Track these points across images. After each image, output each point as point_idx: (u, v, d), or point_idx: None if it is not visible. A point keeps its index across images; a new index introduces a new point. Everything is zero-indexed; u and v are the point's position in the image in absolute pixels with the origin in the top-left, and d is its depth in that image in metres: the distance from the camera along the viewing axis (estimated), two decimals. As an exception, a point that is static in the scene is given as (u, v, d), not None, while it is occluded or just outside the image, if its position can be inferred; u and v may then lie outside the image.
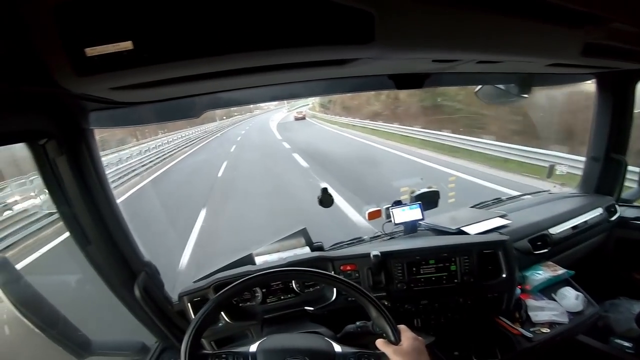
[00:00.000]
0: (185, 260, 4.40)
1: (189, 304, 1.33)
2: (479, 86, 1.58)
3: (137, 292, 1.15)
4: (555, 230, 1.72)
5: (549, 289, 1.57)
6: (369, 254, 1.39)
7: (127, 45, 0.52)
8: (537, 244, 1.64)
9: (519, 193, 2.20)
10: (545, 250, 1.65)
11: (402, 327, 0.95)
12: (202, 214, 6.20)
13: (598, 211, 1.87)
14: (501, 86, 1.52)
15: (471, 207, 1.94)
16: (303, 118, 30.68)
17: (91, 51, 0.52)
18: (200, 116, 1.12)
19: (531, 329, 1.41)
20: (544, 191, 2.21)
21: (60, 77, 0.58)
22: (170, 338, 1.32)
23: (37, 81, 0.59)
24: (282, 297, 1.40)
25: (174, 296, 1.36)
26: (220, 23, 0.54)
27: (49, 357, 1.03)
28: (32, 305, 0.91)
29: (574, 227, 1.77)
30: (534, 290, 1.56)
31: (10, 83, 0.58)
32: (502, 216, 1.73)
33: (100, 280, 1.16)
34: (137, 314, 1.24)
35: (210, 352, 0.94)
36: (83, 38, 0.52)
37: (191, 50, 0.56)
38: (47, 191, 0.96)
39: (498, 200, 2.05)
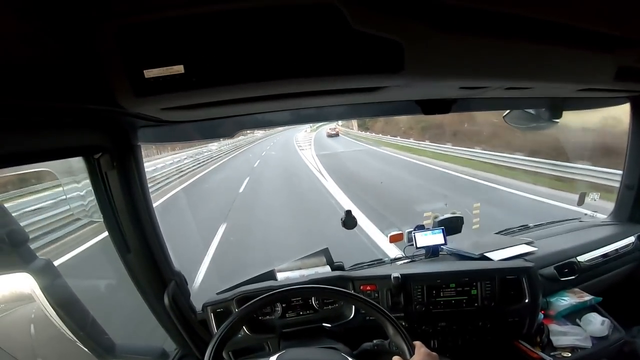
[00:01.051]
0: (201, 274, 4.43)
1: (211, 314, 1.38)
2: (507, 111, 1.58)
3: (166, 301, 1.21)
4: (584, 257, 1.68)
5: (573, 315, 1.54)
6: (389, 276, 1.41)
7: (179, 69, 0.59)
8: (564, 271, 1.62)
9: (548, 220, 2.15)
10: (573, 277, 1.63)
11: (417, 343, 0.97)
12: (222, 229, 6.22)
13: (630, 240, 1.82)
14: (531, 111, 1.52)
15: (496, 233, 1.92)
16: (336, 135, 28.70)
17: (148, 73, 0.59)
18: (234, 136, 1.18)
19: (552, 353, 1.39)
20: (574, 219, 2.15)
21: (120, 96, 0.65)
22: (190, 346, 1.37)
23: (99, 100, 0.66)
24: (301, 313, 1.44)
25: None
26: (263, 52, 0.60)
27: (72, 358, 1.07)
28: (66, 306, 0.95)
29: (603, 255, 1.73)
30: (557, 315, 1.53)
31: (75, 101, 0.65)
32: (528, 243, 1.71)
33: (124, 284, 1.23)
34: (163, 321, 1.29)
35: None
36: (141, 61, 0.58)
37: (235, 76, 0.62)
38: (97, 202, 1.04)
39: (525, 227, 2.03)
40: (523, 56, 0.79)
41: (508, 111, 1.59)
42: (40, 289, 0.87)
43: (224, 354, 0.97)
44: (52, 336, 0.96)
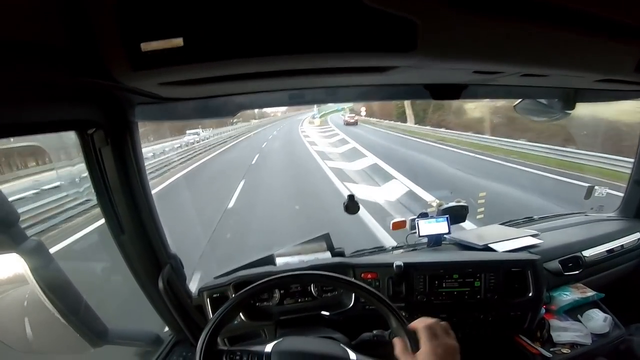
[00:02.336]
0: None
1: (207, 300, 1.38)
2: (519, 100, 1.53)
3: (160, 284, 1.20)
4: (589, 252, 1.69)
5: (575, 311, 1.55)
6: (391, 264, 1.40)
7: (178, 42, 0.55)
8: (568, 265, 1.62)
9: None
10: (577, 272, 1.63)
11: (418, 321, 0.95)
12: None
13: (636, 236, 1.82)
14: (543, 101, 1.48)
15: (501, 224, 1.91)
16: (355, 124, 25.53)
17: (146, 46, 0.55)
18: (235, 115, 1.15)
19: (551, 349, 1.40)
20: (580, 213, 2.14)
21: (115, 70, 0.62)
22: (184, 331, 1.36)
23: (94, 73, 0.63)
24: (299, 300, 1.43)
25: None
26: (266, 25, 0.56)
27: (64, 343, 1.04)
28: (59, 290, 0.93)
29: (609, 251, 1.73)
30: (559, 310, 1.55)
31: (69, 74, 0.62)
32: (533, 235, 1.71)
33: (121, 269, 1.21)
34: (157, 306, 1.29)
35: (226, 349, 0.96)
36: (139, 33, 0.55)
37: (237, 50, 0.58)
38: (90, 179, 1.01)
39: (530, 219, 2.03)
40: (542, 42, 0.75)
41: (519, 100, 1.54)
42: (31, 270, 0.84)
43: (219, 340, 0.96)
44: (44, 320, 0.94)
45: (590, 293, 1.58)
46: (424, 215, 1.75)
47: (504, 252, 1.57)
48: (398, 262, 1.39)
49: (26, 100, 0.65)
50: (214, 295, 1.38)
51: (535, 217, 2.04)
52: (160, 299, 1.23)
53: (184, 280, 1.35)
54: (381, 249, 1.78)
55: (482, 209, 2.10)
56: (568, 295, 1.57)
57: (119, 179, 1.02)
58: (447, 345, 0.87)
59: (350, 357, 0.97)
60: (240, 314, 1.34)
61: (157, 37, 0.55)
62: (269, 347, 0.97)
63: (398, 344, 0.90)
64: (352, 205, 1.65)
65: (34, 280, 0.85)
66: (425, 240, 1.77)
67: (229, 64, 0.62)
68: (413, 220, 1.75)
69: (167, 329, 1.43)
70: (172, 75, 0.66)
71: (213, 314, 1.31)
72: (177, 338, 1.42)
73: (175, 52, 0.55)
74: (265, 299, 1.42)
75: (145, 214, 1.12)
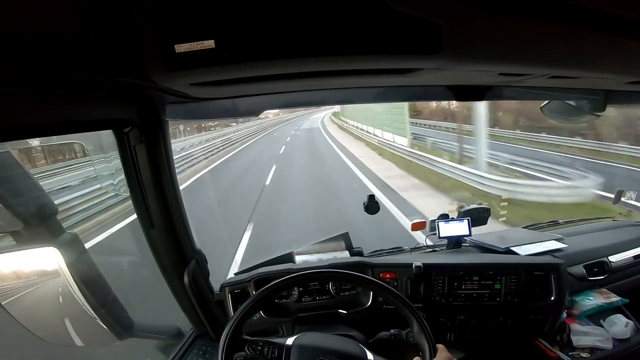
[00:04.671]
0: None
1: (229, 295, 1.43)
2: (546, 101, 1.51)
3: (186, 279, 1.25)
4: (615, 258, 1.68)
5: (597, 315, 1.55)
6: (410, 264, 1.43)
7: (209, 44, 0.59)
8: (593, 270, 1.62)
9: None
10: (601, 277, 1.63)
11: (440, 346, 0.98)
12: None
13: None
14: (571, 102, 1.45)
15: (524, 227, 1.90)
16: None
17: (179, 48, 0.59)
18: (259, 115, 1.19)
19: (570, 353, 1.41)
20: (607, 218, 2.10)
21: (151, 71, 0.67)
22: (205, 326, 1.41)
23: (131, 74, 0.68)
24: (317, 298, 1.47)
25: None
26: (294, 28, 0.60)
27: (91, 335, 1.08)
28: (90, 282, 0.96)
29: (636, 257, 1.72)
30: (581, 315, 1.55)
31: (110, 74, 0.67)
32: (558, 239, 1.71)
33: (148, 265, 1.26)
34: (181, 300, 1.34)
35: (249, 338, 1.01)
36: (173, 35, 0.59)
37: (265, 52, 0.62)
38: (125, 176, 1.07)
39: (555, 223, 2.01)
40: (571, 43, 0.75)
41: (546, 102, 1.52)
42: (66, 263, 0.88)
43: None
44: (74, 313, 0.98)
45: (614, 298, 1.57)
46: (444, 217, 1.77)
47: (526, 255, 1.57)
48: (417, 263, 1.42)
49: (70, 100, 0.71)
50: (235, 291, 1.43)
51: (560, 221, 2.02)
52: (185, 293, 1.29)
53: (208, 275, 1.41)
54: (400, 250, 1.80)
55: (505, 212, 2.08)
56: (591, 300, 1.57)
57: (151, 176, 1.08)
58: None
59: (368, 357, 1.00)
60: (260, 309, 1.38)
61: (190, 39, 0.59)
62: (289, 340, 1.02)
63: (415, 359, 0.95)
64: (372, 205, 1.67)
65: (68, 273, 0.90)
66: (445, 241, 1.78)
67: (257, 66, 0.66)
68: (433, 221, 1.77)
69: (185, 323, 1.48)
70: (203, 76, 0.70)
71: (234, 310, 1.36)
72: (197, 332, 1.47)
73: (206, 53, 0.59)
74: (284, 296, 1.46)
75: (174, 210, 1.17)
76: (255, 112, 1.19)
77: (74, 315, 0.99)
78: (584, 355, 1.39)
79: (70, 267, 0.90)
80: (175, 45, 0.59)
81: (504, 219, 2.05)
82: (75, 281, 0.92)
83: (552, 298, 1.41)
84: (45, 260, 0.89)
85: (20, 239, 0.89)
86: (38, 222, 0.89)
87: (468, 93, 1.21)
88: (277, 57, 0.63)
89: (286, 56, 0.63)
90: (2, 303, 0.92)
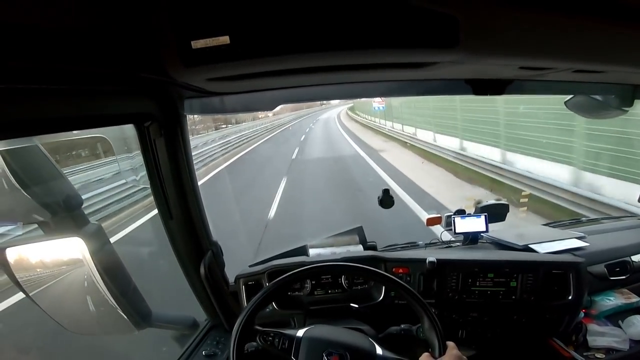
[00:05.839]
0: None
1: (243, 287, 1.47)
2: (570, 96, 1.47)
3: (202, 270, 1.31)
4: (638, 257, 1.64)
5: (616, 316, 1.53)
6: (424, 260, 1.43)
7: (225, 39, 0.62)
8: (615, 270, 1.59)
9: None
10: (623, 277, 1.59)
11: (450, 344, 0.99)
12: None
13: None
14: (597, 97, 1.41)
15: (545, 224, 1.87)
16: None
17: (195, 44, 0.62)
18: (274, 109, 1.23)
19: (585, 354, 1.40)
20: (632, 216, 2.04)
21: (169, 66, 0.70)
22: (220, 317, 1.47)
23: (151, 69, 0.72)
24: (330, 291, 1.50)
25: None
26: (309, 23, 0.62)
27: (111, 325, 1.13)
28: (112, 271, 1.00)
29: None
30: (600, 315, 1.53)
31: (130, 70, 0.71)
32: (579, 238, 1.68)
33: (166, 257, 1.30)
34: (197, 291, 1.40)
35: (260, 329, 1.04)
36: (190, 32, 0.62)
37: (280, 47, 0.64)
38: (145, 168, 1.12)
39: (576, 221, 1.99)
40: (596, 36, 0.73)
41: (571, 96, 1.48)
42: (90, 253, 0.93)
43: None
44: (96, 302, 1.03)
45: (635, 299, 1.55)
46: (460, 212, 1.76)
47: (545, 253, 1.56)
48: (431, 258, 1.42)
49: (93, 95, 0.75)
50: (249, 283, 1.47)
51: (583, 219, 1.98)
52: (201, 284, 1.34)
53: (223, 267, 1.46)
54: (414, 245, 1.81)
55: (525, 208, 2.05)
56: (611, 300, 1.55)
57: (170, 169, 1.12)
58: None
59: (377, 352, 1.02)
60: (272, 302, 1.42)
61: (205, 35, 0.61)
62: (300, 332, 1.05)
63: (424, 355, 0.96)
64: (386, 199, 1.68)
65: (92, 263, 0.94)
66: (461, 237, 1.79)
67: (272, 61, 0.68)
68: (449, 216, 1.77)
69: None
70: (219, 71, 0.73)
71: (247, 301, 1.40)
72: (212, 323, 1.52)
73: (222, 49, 0.62)
74: (297, 288, 1.50)
75: (191, 202, 1.22)
76: (270, 107, 1.22)
77: (96, 305, 1.04)
78: (599, 356, 1.38)
79: (94, 257, 0.94)
80: (192, 42, 0.61)
81: (525, 214, 2.01)
82: (98, 271, 0.96)
83: (570, 297, 1.40)
84: (70, 250, 0.94)
85: (47, 229, 0.94)
86: (64, 213, 0.94)
87: (487, 87, 1.19)
88: (292, 52, 0.65)
89: (300, 51, 0.65)
90: (31, 294, 0.97)
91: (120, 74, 0.73)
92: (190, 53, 0.62)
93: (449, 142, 10.27)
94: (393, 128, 17.60)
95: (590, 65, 0.90)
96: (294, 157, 13.20)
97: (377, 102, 19.08)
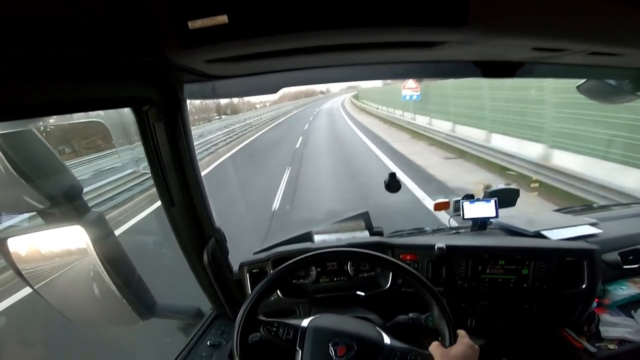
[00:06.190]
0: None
1: (247, 275, 1.46)
2: (583, 80, 1.42)
3: (205, 258, 1.30)
4: None
5: (629, 306, 1.50)
6: (432, 246, 1.40)
7: (223, 19, 0.59)
8: (628, 258, 1.55)
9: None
10: (636, 266, 1.56)
11: (460, 332, 0.97)
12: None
13: None
14: (611, 82, 1.36)
15: (555, 210, 1.83)
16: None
17: (193, 24, 0.60)
18: (276, 92, 1.20)
19: (597, 344, 1.37)
20: (644, 202, 2.00)
21: (167, 48, 0.68)
22: (224, 306, 1.46)
23: (148, 52, 0.70)
24: (335, 279, 1.48)
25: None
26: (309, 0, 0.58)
27: (116, 315, 1.13)
28: (115, 262, 0.99)
29: None
30: (612, 305, 1.50)
31: (126, 53, 0.69)
32: (592, 224, 1.64)
33: (171, 247, 1.29)
34: (201, 280, 1.39)
35: (264, 319, 1.03)
36: (187, 12, 0.59)
37: (280, 26, 0.61)
38: (145, 154, 1.11)
39: (587, 207, 1.95)
40: (615, 17, 0.69)
41: (584, 81, 1.42)
42: (91, 242, 0.92)
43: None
44: (101, 293, 1.02)
45: (648, 288, 1.52)
46: (469, 197, 1.73)
47: (557, 240, 1.52)
48: (440, 244, 1.39)
49: (88, 79, 0.73)
50: (253, 271, 1.46)
51: (594, 205, 1.94)
52: (205, 272, 1.33)
53: (227, 254, 1.44)
54: (421, 231, 1.78)
55: (536, 193, 2.01)
56: (624, 290, 1.53)
57: (170, 154, 1.11)
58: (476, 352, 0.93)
59: (385, 341, 1.00)
60: (277, 290, 1.41)
61: (202, 15, 0.59)
62: (305, 322, 1.04)
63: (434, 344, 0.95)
64: (393, 183, 1.64)
65: (93, 251, 0.93)
66: (469, 223, 1.76)
67: (272, 40, 0.65)
68: (457, 201, 1.74)
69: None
70: (218, 52, 0.71)
71: (251, 289, 1.40)
72: (217, 312, 1.52)
73: (220, 29, 0.59)
74: (302, 276, 1.48)
75: (193, 188, 1.21)
76: (272, 90, 1.18)
77: (99, 295, 1.03)
78: (612, 346, 1.35)
79: (96, 246, 0.93)
80: (189, 22, 0.59)
81: (535, 199, 1.98)
82: (100, 260, 0.95)
83: (584, 286, 1.36)
84: (72, 239, 0.93)
85: (48, 218, 0.93)
86: (64, 201, 0.93)
87: (497, 69, 1.14)
88: (293, 31, 0.62)
89: (302, 29, 0.62)
90: (33, 285, 0.97)
91: (116, 58, 0.71)
92: (188, 34, 0.60)
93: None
94: (430, 125, 12.92)
95: (608, 47, 0.86)
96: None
97: (410, 89, 14.36)
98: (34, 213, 0.94)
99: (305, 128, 19.60)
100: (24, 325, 3.33)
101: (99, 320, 1.21)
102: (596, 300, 1.46)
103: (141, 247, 4.14)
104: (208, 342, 1.35)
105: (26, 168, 0.83)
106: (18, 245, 0.93)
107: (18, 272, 0.94)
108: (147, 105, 1.01)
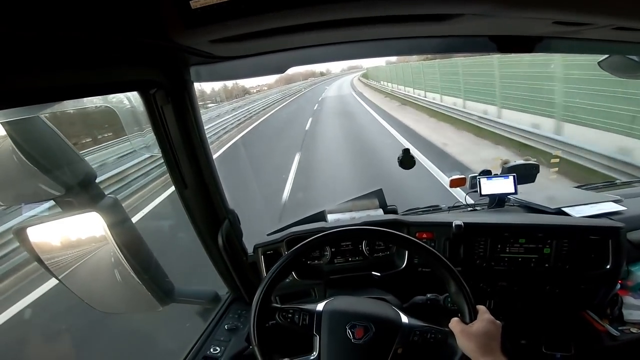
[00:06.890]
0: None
1: (262, 257, 1.47)
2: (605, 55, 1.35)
3: (220, 241, 1.31)
4: None
5: None
6: (450, 224, 1.37)
7: None
8: None
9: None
10: None
11: (480, 307, 0.95)
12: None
13: None
14: (634, 57, 1.28)
15: (576, 187, 1.78)
16: None
17: (195, 3, 0.58)
18: (284, 72, 1.17)
19: (620, 328, 1.35)
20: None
21: (170, 29, 0.67)
22: (240, 289, 1.48)
23: (152, 34, 0.69)
24: (350, 259, 1.48)
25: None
26: None
27: (136, 302, 1.14)
28: (133, 247, 0.99)
29: None
30: (635, 287, 1.45)
31: (129, 36, 0.68)
32: (616, 201, 1.58)
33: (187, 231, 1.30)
34: (217, 263, 1.40)
35: (279, 306, 1.03)
36: None
37: (285, 1, 0.59)
38: (155, 137, 1.11)
39: (611, 183, 1.89)
40: None
41: (606, 56, 1.35)
42: (108, 227, 0.92)
43: (271, 298, 1.03)
44: (121, 280, 1.03)
45: (674, 269, 1.47)
46: (486, 173, 1.70)
47: (580, 217, 1.47)
48: (458, 222, 1.35)
49: (93, 63, 0.72)
50: (268, 252, 1.46)
51: (617, 181, 1.87)
52: (220, 255, 1.35)
53: (241, 236, 1.45)
54: (436, 208, 1.76)
55: (556, 169, 1.96)
56: (649, 271, 1.48)
57: (180, 136, 1.11)
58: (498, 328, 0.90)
59: (403, 320, 0.99)
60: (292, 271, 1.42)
61: None
62: (320, 306, 1.03)
63: (454, 320, 0.93)
64: (407, 159, 1.60)
65: (111, 238, 0.94)
66: (486, 200, 1.72)
67: (277, 16, 0.63)
68: (474, 177, 1.71)
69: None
70: (223, 31, 0.69)
71: (267, 271, 1.41)
72: (233, 296, 1.53)
73: (223, 7, 0.58)
74: (317, 257, 1.48)
75: (205, 169, 1.21)
76: (281, 69, 1.16)
77: (119, 282, 1.04)
78: (635, 330, 1.32)
79: (112, 232, 0.94)
80: (190, 1, 0.57)
81: (555, 176, 1.92)
82: (118, 246, 0.96)
83: (608, 266, 1.31)
84: (89, 226, 0.93)
85: (65, 206, 0.94)
86: (79, 188, 0.93)
87: (514, 44, 1.09)
88: (299, 5, 0.60)
89: (308, 3, 0.59)
90: (56, 274, 0.98)
91: (120, 40, 0.70)
92: (190, 13, 0.58)
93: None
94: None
95: (635, 22, 0.79)
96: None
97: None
98: (52, 203, 0.95)
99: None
100: (51, 316, 3.47)
101: (120, 307, 1.23)
102: (619, 282, 1.41)
103: (159, 233, 4.22)
104: (226, 327, 1.36)
105: (38, 155, 0.84)
106: (37, 235, 0.94)
107: (40, 261, 0.96)
108: (154, 88, 1.00)
